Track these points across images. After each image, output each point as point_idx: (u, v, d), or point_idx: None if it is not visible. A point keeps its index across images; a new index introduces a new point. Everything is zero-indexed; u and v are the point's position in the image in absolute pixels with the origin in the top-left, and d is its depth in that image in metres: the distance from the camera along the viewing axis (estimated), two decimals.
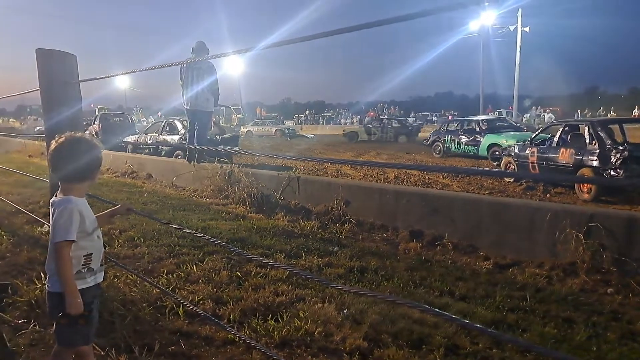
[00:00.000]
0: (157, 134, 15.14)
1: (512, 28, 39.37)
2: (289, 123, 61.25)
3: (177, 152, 12.73)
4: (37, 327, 2.94)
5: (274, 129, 39.39)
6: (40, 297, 3.19)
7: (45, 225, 4.71)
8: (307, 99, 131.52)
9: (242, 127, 40.50)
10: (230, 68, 54.48)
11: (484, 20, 42.11)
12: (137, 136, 16.55)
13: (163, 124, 15.55)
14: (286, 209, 6.59)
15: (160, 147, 13.80)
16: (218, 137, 13.77)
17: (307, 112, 71.90)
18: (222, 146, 12.69)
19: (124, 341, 2.79)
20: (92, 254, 2.08)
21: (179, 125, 14.34)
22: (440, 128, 20.58)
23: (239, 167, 7.98)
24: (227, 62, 50.34)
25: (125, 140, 16.58)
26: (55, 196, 2.07)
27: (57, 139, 2.07)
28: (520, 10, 38.23)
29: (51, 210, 2.05)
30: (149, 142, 15.01)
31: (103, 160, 2.25)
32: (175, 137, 14.03)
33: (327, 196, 6.48)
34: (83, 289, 2.02)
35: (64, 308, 1.93)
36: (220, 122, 26.02)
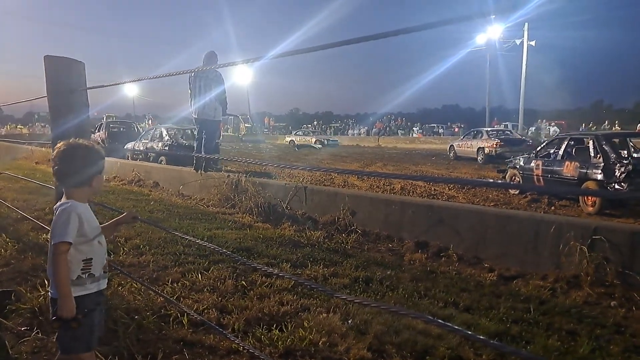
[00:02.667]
0: (147, 141, 16.42)
1: (518, 42, 39.40)
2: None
3: (160, 158, 13.93)
4: (40, 335, 2.94)
5: (314, 139, 39.90)
6: (43, 304, 3.20)
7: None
8: (316, 110, 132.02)
9: (285, 136, 43.07)
10: (239, 78, 54.80)
11: (491, 33, 42.25)
12: (134, 143, 17.32)
13: (153, 131, 16.84)
14: (293, 219, 6.60)
15: (148, 152, 14.85)
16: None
17: (315, 122, 72.13)
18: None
19: (127, 350, 2.79)
20: (91, 259, 2.08)
21: (164, 133, 15.86)
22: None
23: (246, 176, 8.01)
24: (235, 72, 50.70)
25: (125, 147, 17.19)
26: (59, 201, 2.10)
27: (58, 144, 2.10)
28: (526, 24, 38.25)
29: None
30: (141, 148, 16.14)
31: (110, 167, 2.28)
32: (160, 144, 15.33)
33: (333, 206, 6.49)
34: (83, 295, 2.03)
35: (72, 310, 1.94)
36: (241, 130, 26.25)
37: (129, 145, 16.94)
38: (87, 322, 2.03)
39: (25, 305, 3.27)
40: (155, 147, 15.44)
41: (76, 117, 3.02)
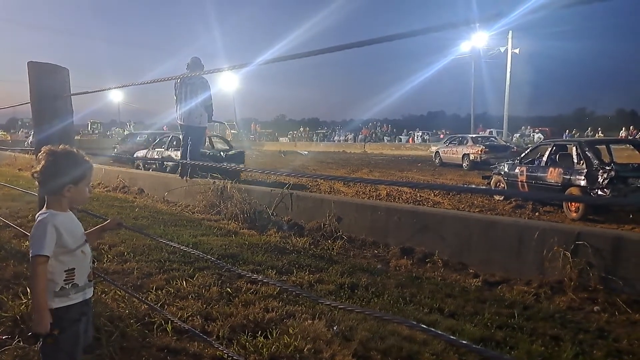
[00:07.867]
0: (162, 149, 15.60)
1: (502, 49, 39.86)
2: (282, 139, 60.88)
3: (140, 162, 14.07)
4: (21, 343, 2.90)
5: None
6: (25, 312, 3.16)
7: None
8: (302, 116, 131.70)
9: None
10: (225, 84, 54.66)
11: (475, 41, 42.67)
12: (145, 151, 16.56)
13: (169, 139, 15.97)
14: (278, 225, 6.57)
15: (164, 162, 14.70)
16: (222, 154, 14.11)
17: (301, 129, 72.02)
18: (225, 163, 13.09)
19: (110, 358, 2.76)
20: (74, 269, 2.03)
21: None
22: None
23: (231, 182, 7.98)
24: (222, 78, 50.57)
25: (135, 155, 16.76)
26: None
27: (41, 149, 2.07)
28: (510, 32, 38.76)
29: None
30: (156, 157, 15.42)
31: (94, 174, 2.24)
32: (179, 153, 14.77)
33: (319, 212, 6.49)
34: (67, 306, 1.98)
35: (46, 326, 1.88)
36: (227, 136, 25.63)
37: (140, 154, 16.02)
38: (71, 332, 1.99)
39: (6, 314, 3.23)
40: (173, 155, 13.79)
41: (60, 124, 2.99)
